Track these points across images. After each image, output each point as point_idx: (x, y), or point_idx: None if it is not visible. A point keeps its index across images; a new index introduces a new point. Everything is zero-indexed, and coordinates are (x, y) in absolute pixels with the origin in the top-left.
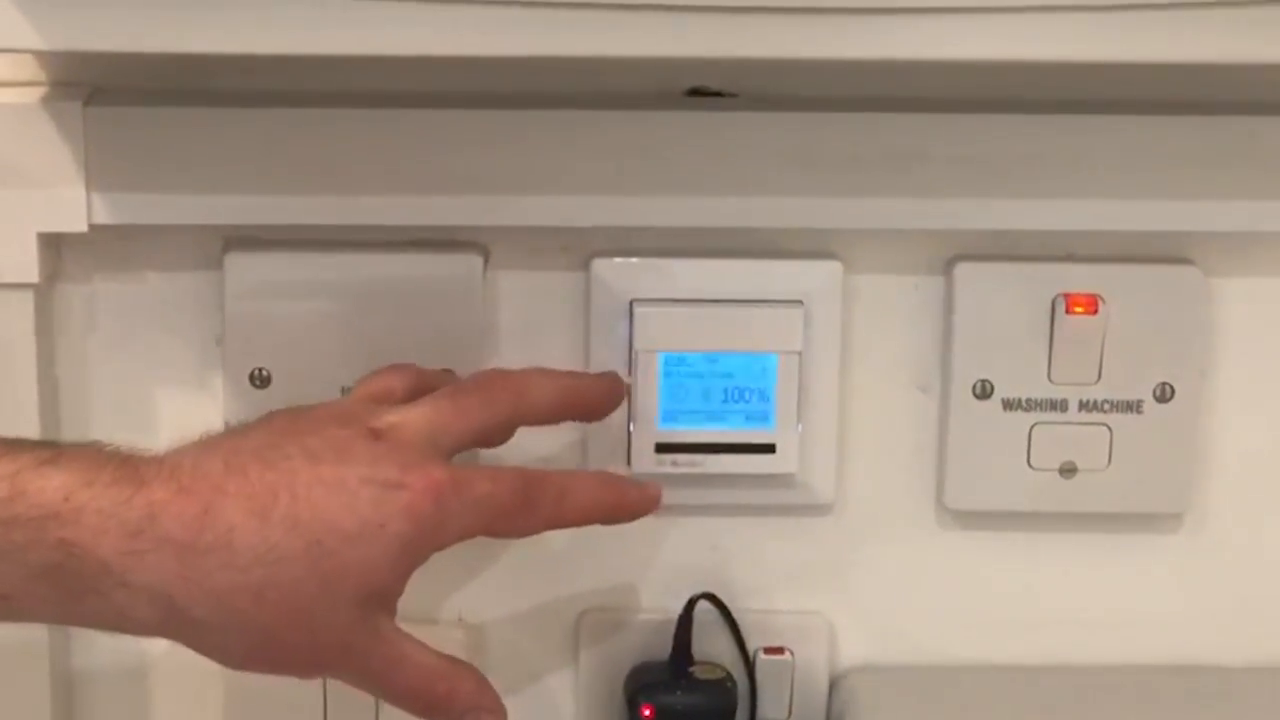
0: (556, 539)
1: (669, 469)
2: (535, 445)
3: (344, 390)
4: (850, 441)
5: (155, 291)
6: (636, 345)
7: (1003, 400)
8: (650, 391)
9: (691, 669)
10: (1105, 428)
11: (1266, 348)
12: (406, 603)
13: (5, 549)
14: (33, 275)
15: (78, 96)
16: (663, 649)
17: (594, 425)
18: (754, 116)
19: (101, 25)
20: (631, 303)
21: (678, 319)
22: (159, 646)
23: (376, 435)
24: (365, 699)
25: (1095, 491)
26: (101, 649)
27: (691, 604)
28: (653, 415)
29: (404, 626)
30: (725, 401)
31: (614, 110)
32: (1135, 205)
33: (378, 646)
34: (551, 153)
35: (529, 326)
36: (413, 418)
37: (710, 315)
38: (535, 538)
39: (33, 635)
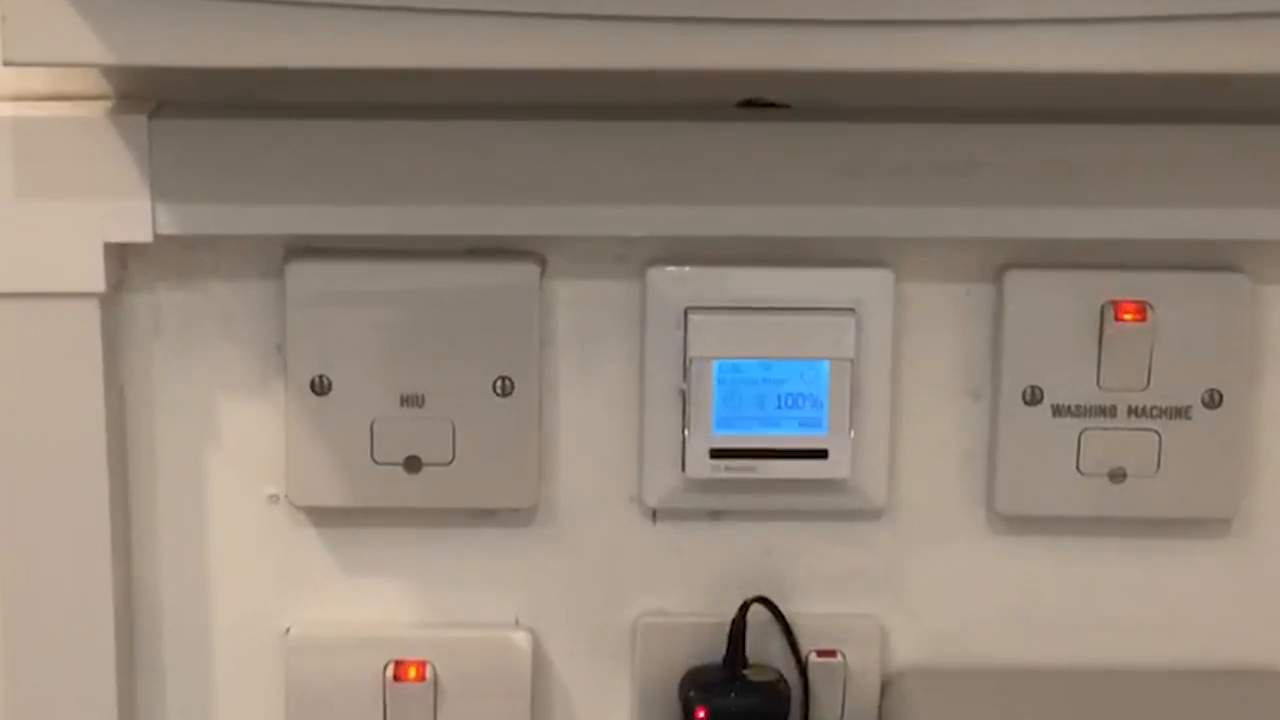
0: (612, 542)
1: (723, 474)
2: (592, 448)
3: (403, 398)
4: (901, 447)
5: (218, 300)
6: (691, 352)
7: (1052, 406)
8: (705, 398)
9: (745, 671)
10: (1154, 433)
11: None
12: (464, 606)
13: None
14: (99, 284)
15: (143, 110)
16: (717, 652)
17: (649, 430)
18: (806, 127)
19: (167, 40)
20: (686, 310)
21: (732, 326)
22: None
23: None
24: (423, 699)
25: (1144, 497)
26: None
27: (745, 607)
28: (707, 421)
29: (462, 630)
30: (779, 408)
31: (669, 121)
32: (1184, 213)
33: None
34: (608, 163)
35: (585, 334)
36: None
37: (764, 323)
38: (592, 544)
39: (98, 625)
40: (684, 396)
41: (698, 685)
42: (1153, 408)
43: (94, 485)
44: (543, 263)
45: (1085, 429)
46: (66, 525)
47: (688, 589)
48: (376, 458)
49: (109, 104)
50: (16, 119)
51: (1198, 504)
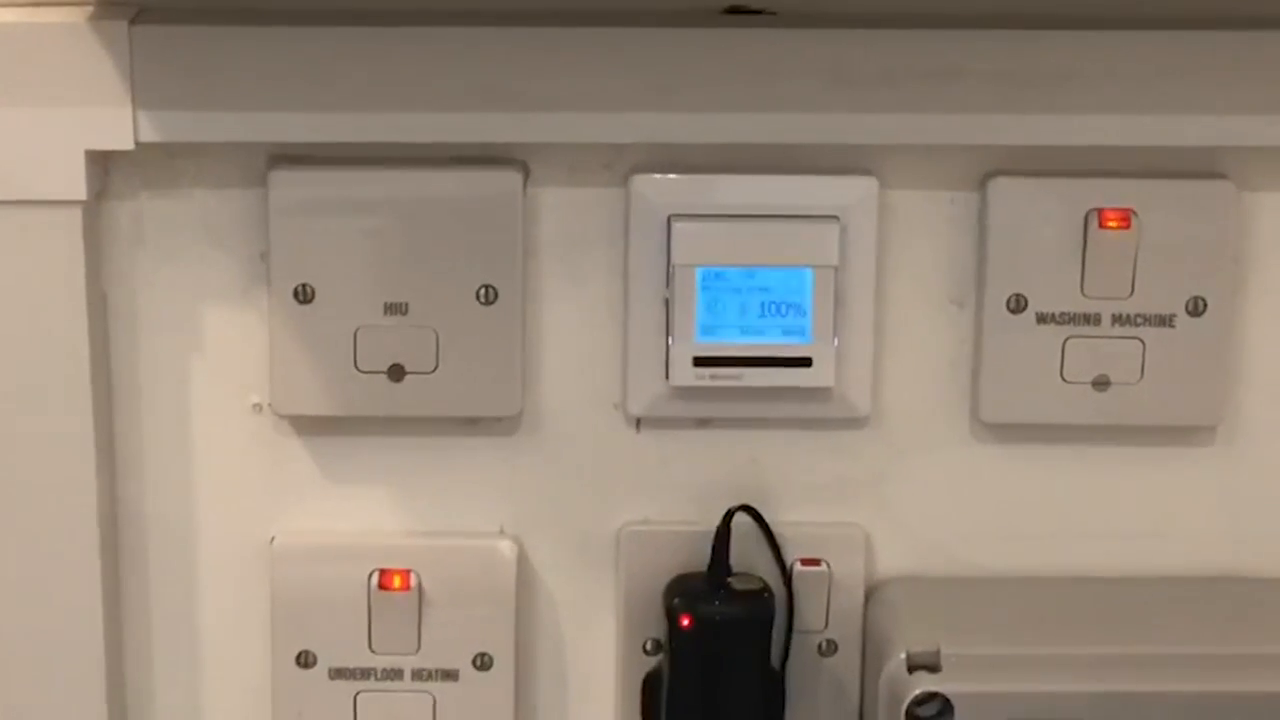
0: (597, 451)
1: (707, 382)
2: (576, 357)
3: (386, 306)
4: (886, 355)
5: (201, 208)
6: (675, 260)
7: (1037, 314)
8: (688, 305)
9: (729, 580)
10: (1138, 341)
11: None
12: (448, 515)
13: None
14: (81, 192)
15: (124, 15)
16: (701, 560)
17: (633, 338)
18: (791, 34)
19: None
20: (670, 218)
21: (716, 234)
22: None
23: None
24: (408, 607)
25: (1128, 404)
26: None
27: (729, 516)
28: (691, 329)
29: (447, 539)
30: (762, 315)
31: (654, 28)
32: (1169, 120)
33: None
34: (592, 70)
35: (569, 242)
36: None
37: (748, 230)
38: (576, 452)
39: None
40: (668, 304)
41: (682, 594)
42: (1137, 315)
43: (77, 395)
44: (527, 170)
45: (1069, 337)
46: (50, 435)
47: (672, 497)
48: (360, 366)
49: (90, 9)
50: None
51: (1182, 411)
